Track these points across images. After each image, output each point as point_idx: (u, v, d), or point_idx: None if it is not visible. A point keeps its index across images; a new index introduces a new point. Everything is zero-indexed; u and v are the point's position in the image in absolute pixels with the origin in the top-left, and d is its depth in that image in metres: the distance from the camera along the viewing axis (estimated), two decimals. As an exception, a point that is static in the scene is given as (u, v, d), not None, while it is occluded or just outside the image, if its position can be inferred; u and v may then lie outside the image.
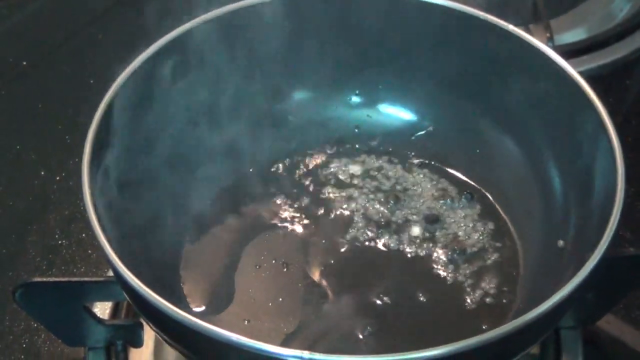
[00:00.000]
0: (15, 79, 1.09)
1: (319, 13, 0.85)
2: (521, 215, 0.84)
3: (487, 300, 0.78)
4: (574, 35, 1.08)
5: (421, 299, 0.78)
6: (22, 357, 0.84)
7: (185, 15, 0.81)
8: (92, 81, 1.06)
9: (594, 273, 0.65)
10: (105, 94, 0.74)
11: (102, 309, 0.82)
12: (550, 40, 0.98)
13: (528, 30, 0.83)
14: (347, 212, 0.85)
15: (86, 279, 0.75)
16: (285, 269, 0.80)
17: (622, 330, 0.86)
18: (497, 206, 0.85)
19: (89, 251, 0.91)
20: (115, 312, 0.82)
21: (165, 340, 0.69)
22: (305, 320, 0.76)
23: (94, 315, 0.75)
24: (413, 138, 0.90)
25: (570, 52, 0.93)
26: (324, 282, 0.79)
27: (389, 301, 0.78)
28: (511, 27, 0.82)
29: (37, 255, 0.90)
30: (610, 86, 0.76)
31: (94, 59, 1.08)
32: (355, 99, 0.91)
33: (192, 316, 0.61)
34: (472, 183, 0.87)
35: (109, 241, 0.66)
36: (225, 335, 0.60)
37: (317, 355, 0.59)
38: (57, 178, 0.97)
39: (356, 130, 0.91)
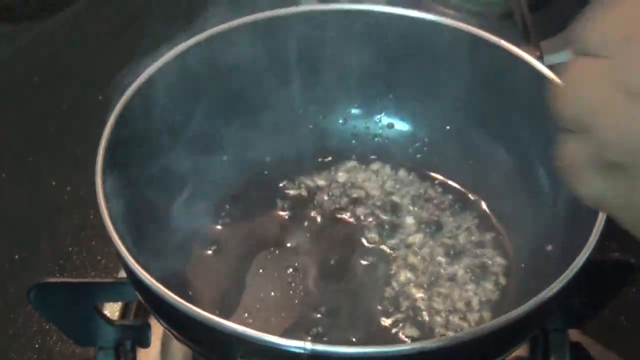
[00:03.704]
0: (29, 95, 1.12)
1: (322, 31, 0.88)
2: (513, 221, 0.86)
3: (477, 300, 0.81)
4: (562, 57, 1.12)
5: (419, 302, 0.80)
6: (35, 356, 0.86)
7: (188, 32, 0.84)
8: (100, 97, 1.08)
9: (580, 275, 0.67)
10: (113, 108, 0.77)
11: (112, 311, 0.84)
12: (539, 59, 1.01)
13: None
14: (347, 220, 0.87)
15: (97, 279, 0.79)
16: (291, 275, 0.82)
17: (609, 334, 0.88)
18: (490, 213, 0.88)
19: (99, 257, 0.93)
20: (124, 313, 0.84)
21: (175, 336, 0.71)
22: (310, 319, 0.79)
23: (104, 316, 0.78)
24: (410, 149, 0.92)
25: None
26: (327, 286, 0.82)
27: (384, 301, 0.80)
28: (502, 42, 0.85)
29: (48, 260, 0.93)
30: None
31: (102, 76, 1.11)
32: (354, 111, 0.93)
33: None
34: (465, 191, 0.89)
35: (122, 241, 0.68)
36: (233, 328, 0.63)
37: (318, 346, 0.62)
38: (68, 188, 0.99)
39: (354, 142, 0.93)
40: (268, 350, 0.63)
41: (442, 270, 0.83)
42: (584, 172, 0.53)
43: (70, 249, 0.94)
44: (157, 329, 0.82)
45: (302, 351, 0.62)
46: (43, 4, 1.25)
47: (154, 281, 0.66)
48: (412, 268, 0.84)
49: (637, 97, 0.48)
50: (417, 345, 0.63)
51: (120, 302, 0.85)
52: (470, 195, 0.89)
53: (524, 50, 0.91)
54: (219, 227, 0.86)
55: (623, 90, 0.48)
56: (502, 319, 0.64)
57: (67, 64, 1.16)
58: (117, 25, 1.22)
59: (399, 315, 0.80)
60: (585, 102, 0.51)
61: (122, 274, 0.85)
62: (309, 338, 0.76)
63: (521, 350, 0.81)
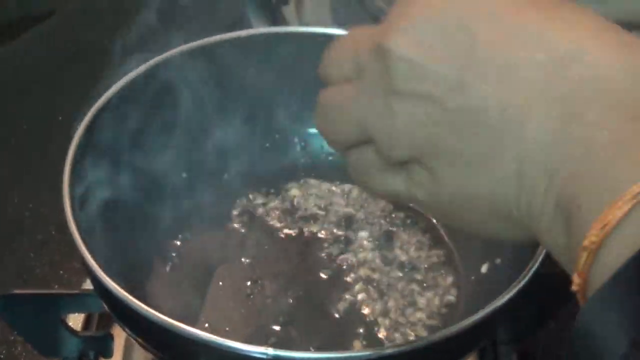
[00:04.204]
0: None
1: (275, 53, 0.91)
2: (463, 235, 0.88)
3: (428, 311, 0.84)
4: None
5: (372, 314, 0.83)
6: (0, 368, 0.87)
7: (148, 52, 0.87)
8: (60, 118, 1.10)
9: (528, 288, 0.70)
10: (75, 124, 0.79)
11: (75, 323, 0.85)
12: None
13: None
14: (303, 235, 0.90)
15: (63, 291, 0.80)
16: (249, 288, 0.84)
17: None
18: (440, 228, 0.90)
19: (61, 271, 0.95)
20: (86, 324, 0.86)
21: (140, 344, 0.73)
22: (268, 329, 0.81)
23: (68, 327, 0.80)
24: None
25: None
26: (291, 297, 0.84)
27: (340, 313, 0.83)
28: None
29: (12, 274, 0.94)
30: None
31: (61, 97, 1.13)
32: (310, 131, 0.95)
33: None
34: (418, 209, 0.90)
35: (90, 252, 0.70)
36: (198, 334, 0.65)
37: (280, 352, 0.64)
38: (30, 205, 1.02)
39: (309, 160, 0.96)
40: (231, 356, 0.65)
41: (394, 283, 0.86)
42: (374, 177, 0.56)
43: (33, 263, 0.96)
44: (119, 340, 0.84)
45: (264, 357, 0.64)
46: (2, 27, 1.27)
47: (121, 290, 0.68)
48: (366, 281, 0.86)
49: (390, 95, 0.51)
50: (371, 352, 0.66)
51: (83, 314, 0.87)
52: (421, 211, 0.91)
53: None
54: (177, 242, 0.88)
55: (380, 94, 0.51)
56: (453, 328, 0.67)
57: (27, 84, 1.18)
58: (78, 47, 1.24)
59: (354, 326, 0.82)
60: (346, 119, 0.54)
61: (86, 286, 0.88)
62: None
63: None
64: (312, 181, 0.95)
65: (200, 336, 0.65)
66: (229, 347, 0.65)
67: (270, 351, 0.64)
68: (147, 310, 0.67)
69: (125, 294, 0.68)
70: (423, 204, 0.55)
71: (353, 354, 0.67)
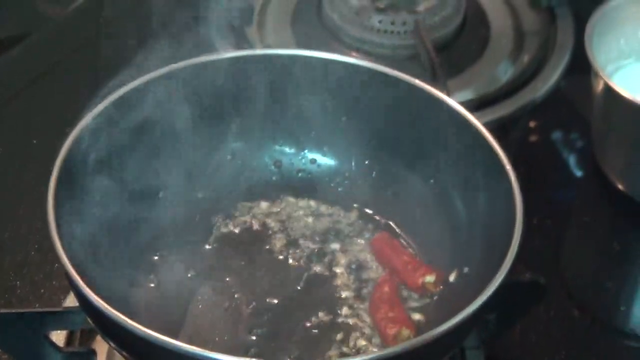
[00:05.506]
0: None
1: (245, 75, 0.94)
2: (431, 246, 0.91)
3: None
4: (465, 95, 1.19)
5: (347, 323, 0.86)
6: (-15, 384, 0.89)
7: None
8: (35, 141, 1.12)
9: (496, 295, 0.73)
10: (52, 150, 0.82)
11: (57, 339, 0.86)
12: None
13: (429, 90, 0.93)
14: (277, 251, 0.93)
15: (47, 309, 0.82)
16: (227, 301, 0.87)
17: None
18: (410, 239, 0.93)
19: (42, 290, 0.97)
20: (69, 341, 0.88)
21: (125, 357, 0.76)
22: (248, 341, 0.84)
23: (52, 343, 0.82)
24: (332, 183, 0.98)
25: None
26: (263, 311, 0.87)
27: (316, 323, 0.86)
28: (416, 81, 0.91)
29: None
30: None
31: (38, 121, 1.15)
32: (281, 148, 0.99)
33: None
34: (385, 220, 0.95)
35: (75, 268, 0.73)
36: (182, 346, 0.68)
37: None
38: (9, 226, 1.03)
39: (279, 177, 0.99)
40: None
41: (367, 292, 0.89)
42: None
43: (15, 283, 0.98)
44: (101, 356, 0.86)
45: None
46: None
47: (106, 305, 0.71)
48: (339, 290, 0.89)
49: None
50: None
51: (65, 331, 0.89)
52: (391, 223, 0.95)
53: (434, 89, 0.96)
54: (156, 258, 0.91)
55: None
56: (425, 336, 0.71)
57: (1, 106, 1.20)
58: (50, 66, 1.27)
59: (329, 335, 0.85)
60: None
61: (67, 303, 0.91)
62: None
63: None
64: (286, 197, 0.98)
65: (184, 349, 0.68)
66: (214, 359, 0.68)
67: (254, 361, 0.67)
68: (133, 325, 0.70)
69: (111, 309, 0.71)
70: None
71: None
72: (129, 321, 0.70)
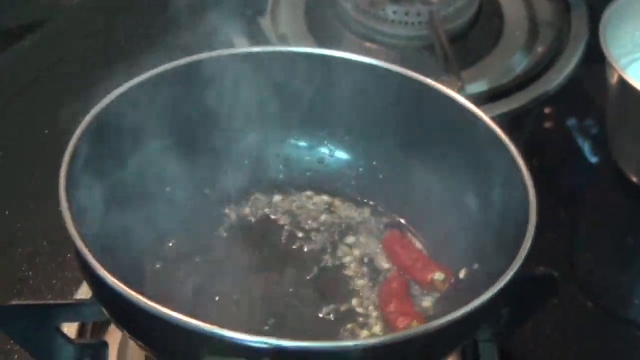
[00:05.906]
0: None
1: (259, 71, 0.93)
2: (441, 243, 0.91)
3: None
4: (478, 87, 1.19)
5: (358, 312, 0.86)
6: (-2, 377, 0.89)
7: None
8: (46, 131, 1.13)
9: (507, 288, 0.73)
10: (65, 138, 0.81)
11: (69, 331, 0.86)
12: (462, 90, 1.07)
13: (443, 82, 0.92)
14: (288, 242, 0.93)
15: (58, 301, 0.82)
16: (238, 292, 0.87)
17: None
18: (420, 234, 0.94)
19: (54, 281, 0.96)
20: (80, 332, 0.88)
21: (140, 343, 0.76)
22: (260, 329, 0.83)
23: (64, 335, 0.82)
24: (344, 179, 0.98)
25: (476, 100, 1.02)
26: (273, 300, 0.87)
27: (327, 313, 0.86)
28: (428, 80, 0.91)
29: (6, 285, 0.96)
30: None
31: (47, 111, 1.15)
32: (295, 142, 0.98)
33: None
34: (396, 216, 0.95)
35: (91, 253, 0.73)
36: (201, 325, 0.67)
37: (282, 341, 0.68)
38: (21, 218, 1.03)
39: (290, 172, 0.99)
40: (233, 346, 0.68)
41: (379, 286, 0.89)
42: None
43: (27, 274, 0.98)
44: (113, 347, 0.87)
45: (266, 346, 0.68)
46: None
47: (123, 285, 0.70)
48: (351, 281, 0.90)
49: None
50: (360, 343, 0.72)
51: (77, 323, 0.89)
52: (402, 220, 0.95)
53: (446, 81, 0.96)
54: (169, 246, 0.91)
55: None
56: (432, 324, 0.70)
57: (11, 98, 1.20)
58: (59, 59, 1.27)
59: (342, 327, 0.85)
60: None
61: (78, 295, 0.92)
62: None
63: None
64: (299, 192, 0.98)
65: (203, 328, 0.68)
66: (232, 337, 0.68)
67: (273, 341, 0.68)
68: (151, 305, 0.69)
69: (129, 289, 0.70)
70: None
71: (342, 344, 0.73)
72: (148, 302, 0.69)
